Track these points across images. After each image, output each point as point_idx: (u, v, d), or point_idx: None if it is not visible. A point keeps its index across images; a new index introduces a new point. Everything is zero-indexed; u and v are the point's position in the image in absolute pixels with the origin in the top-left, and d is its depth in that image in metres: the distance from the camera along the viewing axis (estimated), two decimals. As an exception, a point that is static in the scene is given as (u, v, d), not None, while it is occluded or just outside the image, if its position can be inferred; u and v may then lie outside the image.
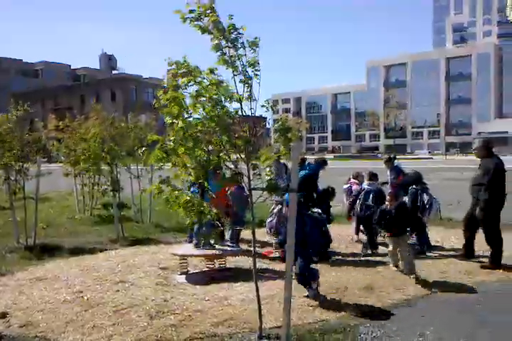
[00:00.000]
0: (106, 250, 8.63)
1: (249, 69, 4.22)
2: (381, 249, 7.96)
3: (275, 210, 8.29)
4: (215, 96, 4.17)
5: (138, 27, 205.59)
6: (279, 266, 6.90)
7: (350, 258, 7.64)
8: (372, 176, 8.54)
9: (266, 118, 32.81)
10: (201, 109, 4.23)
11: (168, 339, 4.47)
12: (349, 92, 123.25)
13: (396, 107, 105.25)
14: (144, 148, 11.66)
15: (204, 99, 4.19)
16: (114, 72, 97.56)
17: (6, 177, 9.01)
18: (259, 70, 4.24)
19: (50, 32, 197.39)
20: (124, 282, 6.36)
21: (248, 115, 4.29)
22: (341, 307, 5.25)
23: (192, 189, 6.63)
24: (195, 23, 4.12)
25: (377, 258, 7.55)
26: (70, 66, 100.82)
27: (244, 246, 7.97)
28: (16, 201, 9.59)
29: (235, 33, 4.15)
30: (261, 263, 6.96)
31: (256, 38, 4.20)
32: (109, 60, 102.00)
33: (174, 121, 4.21)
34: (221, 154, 4.33)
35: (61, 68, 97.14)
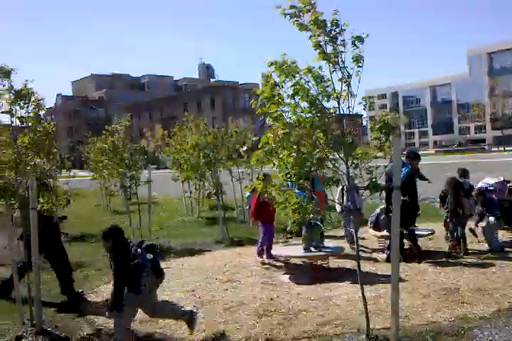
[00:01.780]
0: (212, 250, 8.95)
1: (352, 65, 4.10)
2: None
3: (378, 209, 8.08)
4: (313, 94, 4.12)
5: (232, 37, 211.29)
6: (383, 266, 6.72)
7: (462, 259, 7.18)
8: (464, 173, 8.08)
9: (361, 115, 32.09)
10: (299, 109, 4.21)
11: (276, 338, 4.53)
12: (449, 83, 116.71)
13: (503, 96, 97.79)
14: (245, 149, 12.02)
15: (300, 97, 4.16)
16: (212, 80, 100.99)
17: (121, 185, 9.69)
18: (361, 66, 4.13)
19: (152, 46, 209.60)
20: (232, 281, 6.55)
21: (345, 113, 4.21)
22: (453, 309, 4.97)
23: (296, 191, 6.66)
24: (294, 19, 4.09)
25: (492, 261, 7.01)
26: (172, 77, 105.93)
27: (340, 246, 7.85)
28: (130, 205, 10.29)
29: (337, 29, 4.06)
30: (364, 263, 6.81)
31: (364, 34, 4.07)
32: (207, 69, 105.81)
33: (274, 122, 4.24)
34: (320, 154, 4.29)
35: (164, 80, 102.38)
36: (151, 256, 4.48)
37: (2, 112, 4.86)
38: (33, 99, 5.00)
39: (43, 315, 5.00)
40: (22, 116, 4.95)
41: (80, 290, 6.45)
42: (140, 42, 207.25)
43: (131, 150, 9.53)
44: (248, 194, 8.78)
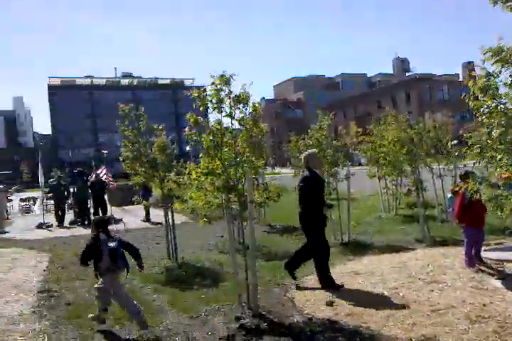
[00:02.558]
0: (413, 249, 8.61)
1: None
2: None
3: None
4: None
5: (427, 25, 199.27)
6: None
7: None
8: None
9: None
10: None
11: (492, 347, 4.16)
12: None
13: None
14: (455, 142, 11.28)
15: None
16: (407, 74, 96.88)
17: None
18: None
19: (347, 46, 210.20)
20: (437, 282, 6.20)
21: None
22: None
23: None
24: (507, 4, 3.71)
25: None
26: (365, 74, 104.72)
27: None
28: (331, 201, 10.49)
29: None
30: None
31: None
32: (401, 63, 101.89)
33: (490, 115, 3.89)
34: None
35: (358, 78, 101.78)
36: (112, 245, 5.19)
37: (225, 116, 5.38)
38: (250, 103, 5.44)
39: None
40: (241, 119, 5.42)
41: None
42: (334, 42, 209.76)
43: (332, 147, 9.72)
44: (450, 195, 8.21)
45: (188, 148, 38.11)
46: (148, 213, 15.39)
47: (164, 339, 4.85)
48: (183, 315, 5.53)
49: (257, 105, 5.38)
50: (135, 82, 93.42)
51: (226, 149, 5.35)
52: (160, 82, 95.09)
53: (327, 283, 6.33)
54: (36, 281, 7.61)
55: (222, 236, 10.95)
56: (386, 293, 5.89)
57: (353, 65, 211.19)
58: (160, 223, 13.94)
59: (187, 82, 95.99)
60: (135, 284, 7.08)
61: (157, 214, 14.05)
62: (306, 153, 6.83)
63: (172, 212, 8.68)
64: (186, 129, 5.49)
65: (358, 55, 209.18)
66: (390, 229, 10.93)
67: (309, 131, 10.28)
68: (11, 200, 20.96)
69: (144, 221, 15.28)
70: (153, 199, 15.01)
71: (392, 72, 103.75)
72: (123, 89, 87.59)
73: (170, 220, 8.66)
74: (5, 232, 14.33)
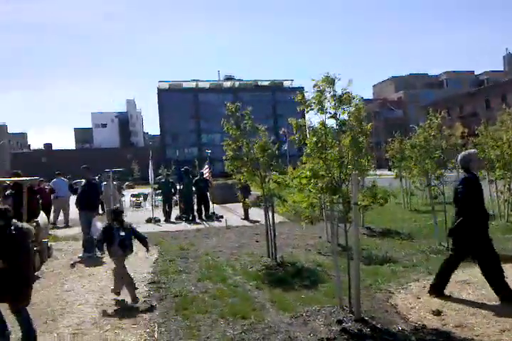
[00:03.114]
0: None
1: None
2: None
3: None
4: None
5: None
6: None
7: None
8: None
9: None
10: None
11: None
12: None
13: None
14: None
15: None
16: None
17: (427, 184, 9.46)
18: None
19: (449, 42, 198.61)
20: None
21: None
22: None
23: None
24: None
25: None
26: (473, 72, 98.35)
27: None
28: (435, 205, 9.94)
29: None
30: None
31: None
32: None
33: None
34: None
35: (464, 76, 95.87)
36: (123, 234, 6.30)
37: (329, 117, 5.30)
38: (353, 103, 5.31)
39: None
40: (344, 119, 5.30)
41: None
42: (436, 39, 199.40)
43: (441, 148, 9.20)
44: None
45: (285, 147, 38.37)
46: (247, 212, 15.67)
47: (266, 336, 4.87)
48: (284, 314, 5.52)
49: (360, 105, 5.23)
50: (236, 84, 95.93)
51: (330, 150, 5.25)
52: (260, 83, 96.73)
53: (506, 292, 5.60)
54: (147, 273, 8.04)
55: (320, 237, 10.84)
56: (498, 306, 5.42)
57: (458, 63, 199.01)
58: (258, 221, 14.15)
59: (286, 83, 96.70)
60: (238, 280, 7.22)
61: (255, 213, 14.24)
62: (466, 152, 6.21)
63: (273, 212, 8.73)
64: (284, 130, 5.48)
65: (463, 52, 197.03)
66: (502, 238, 10.10)
67: (416, 128, 9.82)
68: (123, 195, 22.39)
69: (242, 219, 15.59)
70: (252, 198, 15.26)
71: (502, 69, 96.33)
72: (225, 92, 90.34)
73: (270, 219, 8.72)
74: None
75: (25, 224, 4.70)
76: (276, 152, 8.93)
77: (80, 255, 9.90)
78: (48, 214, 14.00)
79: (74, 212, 12.63)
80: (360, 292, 5.25)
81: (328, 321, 5.13)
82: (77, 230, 14.04)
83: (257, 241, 10.78)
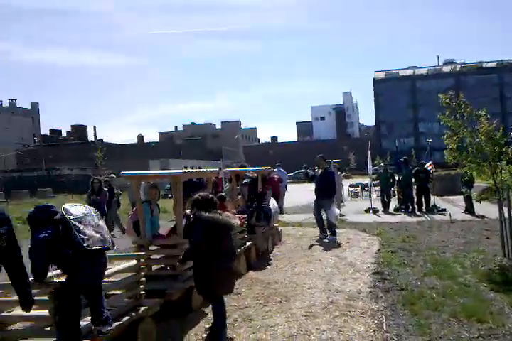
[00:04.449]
0: None
1: None
2: None
3: None
4: None
5: None
6: None
7: None
8: None
9: None
10: None
11: None
12: None
13: None
14: None
15: None
16: None
17: None
18: None
19: None
20: None
21: None
22: None
23: None
24: None
25: None
26: None
27: None
28: None
29: None
30: None
31: None
32: None
33: None
34: None
35: None
36: None
37: None
38: None
39: None
40: None
41: None
42: None
43: None
44: None
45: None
46: (471, 205, 14.24)
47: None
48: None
49: None
50: (457, 68, 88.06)
51: None
52: (484, 65, 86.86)
53: None
54: (369, 262, 7.98)
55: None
56: None
57: None
58: (483, 216, 12.79)
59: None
60: (468, 279, 6.61)
61: (480, 207, 12.79)
62: None
63: (509, 206, 7.71)
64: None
65: None
66: None
67: None
68: (342, 185, 22.70)
69: (464, 212, 14.26)
70: (476, 190, 13.81)
71: None
72: (445, 77, 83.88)
73: (505, 214, 7.72)
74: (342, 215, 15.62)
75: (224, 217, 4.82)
76: (506, 138, 7.86)
77: (318, 235, 10.66)
78: (277, 201, 15.07)
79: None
80: None
81: None
82: (302, 217, 14.86)
83: (488, 238, 9.70)
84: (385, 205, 16.28)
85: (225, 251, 4.73)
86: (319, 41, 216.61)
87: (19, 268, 3.35)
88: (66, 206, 3.73)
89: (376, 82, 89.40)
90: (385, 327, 4.90)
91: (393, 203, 16.47)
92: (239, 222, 5.58)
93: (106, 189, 12.79)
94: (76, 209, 3.74)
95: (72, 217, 3.61)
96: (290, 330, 4.89)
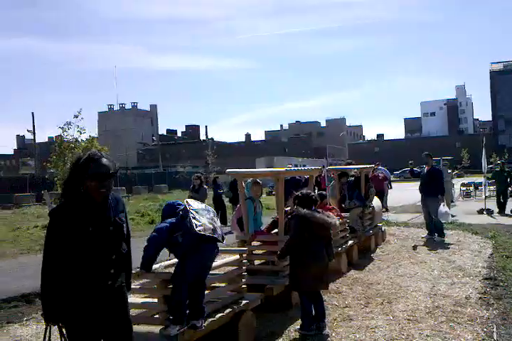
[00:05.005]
0: None
1: None
2: None
3: None
4: None
5: None
6: None
7: None
8: None
9: None
10: None
11: None
12: None
13: None
14: None
15: None
16: None
17: None
18: None
19: None
20: None
21: None
22: None
23: None
24: None
25: None
26: None
27: None
28: None
29: None
30: None
31: None
32: None
33: None
34: None
35: None
36: None
37: None
38: None
39: None
40: None
41: None
42: None
43: None
44: None
45: None
46: None
47: None
48: None
49: None
50: None
51: None
52: None
53: None
54: (481, 267, 7.41)
55: None
56: None
57: None
58: None
59: None
60: None
61: None
62: None
63: None
64: None
65: None
66: None
67: None
68: (453, 184, 21.29)
69: None
70: None
71: None
72: None
73: None
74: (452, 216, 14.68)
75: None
76: None
77: (423, 236, 10.30)
78: (381, 199, 14.58)
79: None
80: None
81: None
82: (408, 216, 14.22)
83: None
84: (501, 206, 14.96)
85: (318, 249, 4.74)
86: (429, 34, 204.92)
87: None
88: (189, 200, 4.14)
89: (493, 74, 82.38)
90: (495, 337, 4.52)
91: (510, 204, 15.08)
92: (338, 222, 5.48)
93: (205, 187, 13.00)
94: (197, 204, 4.09)
95: (191, 207, 3.96)
96: (391, 333, 4.72)
